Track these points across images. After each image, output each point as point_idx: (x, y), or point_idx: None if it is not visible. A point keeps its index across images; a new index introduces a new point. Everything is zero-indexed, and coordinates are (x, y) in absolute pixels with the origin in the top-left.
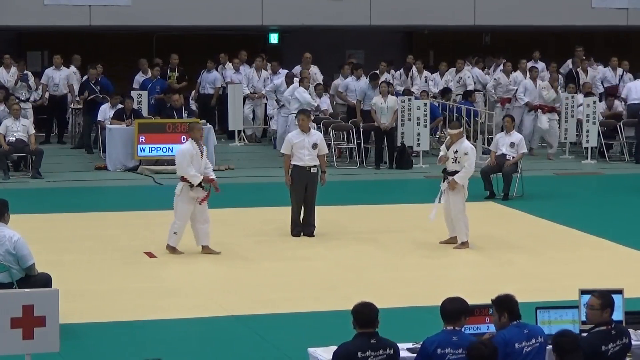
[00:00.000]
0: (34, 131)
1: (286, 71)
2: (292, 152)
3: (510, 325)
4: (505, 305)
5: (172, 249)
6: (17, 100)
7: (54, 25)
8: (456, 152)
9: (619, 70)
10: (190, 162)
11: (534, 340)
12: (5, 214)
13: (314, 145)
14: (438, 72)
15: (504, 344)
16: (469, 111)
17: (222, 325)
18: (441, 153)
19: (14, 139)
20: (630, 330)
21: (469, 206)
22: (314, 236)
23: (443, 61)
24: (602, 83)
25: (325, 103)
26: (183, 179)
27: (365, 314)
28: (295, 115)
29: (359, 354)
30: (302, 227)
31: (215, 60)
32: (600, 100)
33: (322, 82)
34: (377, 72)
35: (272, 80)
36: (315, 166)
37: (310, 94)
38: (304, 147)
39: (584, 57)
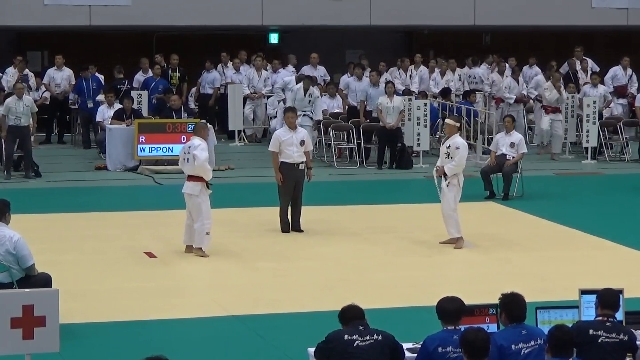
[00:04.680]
0: (37, 109)
1: (283, 70)
2: (280, 150)
3: (508, 325)
4: (505, 307)
5: (200, 250)
6: (21, 82)
7: (54, 25)
8: (449, 147)
9: (629, 70)
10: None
11: (533, 342)
12: (7, 214)
13: (302, 142)
14: (439, 72)
15: (497, 344)
16: (469, 111)
17: (222, 325)
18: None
19: (19, 121)
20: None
21: (469, 206)
22: (302, 230)
23: (443, 61)
24: (612, 81)
25: (325, 103)
26: (198, 178)
27: (350, 311)
28: (283, 112)
29: (346, 336)
30: (291, 223)
31: (212, 61)
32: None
33: (323, 83)
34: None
35: (282, 79)
36: (302, 162)
37: (311, 94)
38: (293, 144)
39: (584, 58)
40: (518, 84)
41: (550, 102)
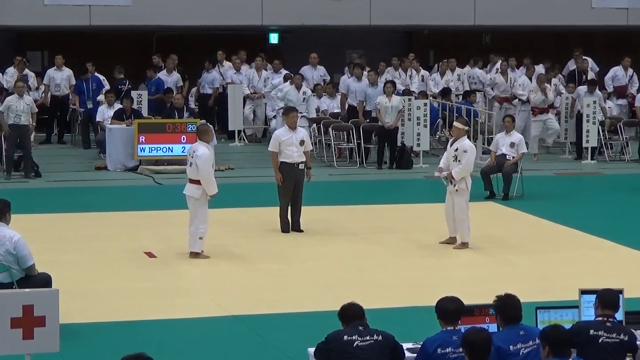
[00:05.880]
0: (37, 110)
1: (284, 70)
2: (279, 150)
3: (505, 327)
4: (500, 309)
5: (197, 254)
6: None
7: (54, 25)
8: (456, 150)
9: (630, 71)
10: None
11: (531, 342)
12: (7, 214)
13: (301, 142)
14: (438, 72)
15: (495, 345)
16: (469, 111)
17: (222, 325)
18: (440, 164)
19: (19, 119)
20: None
21: (469, 206)
22: (302, 230)
23: (443, 61)
24: (612, 81)
25: (325, 103)
26: (199, 182)
27: (350, 309)
28: (282, 112)
29: (346, 336)
30: (291, 224)
31: (212, 61)
32: (608, 98)
33: (323, 83)
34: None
35: (271, 82)
36: (302, 162)
37: (305, 92)
38: (292, 144)
39: (584, 58)
40: (531, 82)
41: (535, 103)
